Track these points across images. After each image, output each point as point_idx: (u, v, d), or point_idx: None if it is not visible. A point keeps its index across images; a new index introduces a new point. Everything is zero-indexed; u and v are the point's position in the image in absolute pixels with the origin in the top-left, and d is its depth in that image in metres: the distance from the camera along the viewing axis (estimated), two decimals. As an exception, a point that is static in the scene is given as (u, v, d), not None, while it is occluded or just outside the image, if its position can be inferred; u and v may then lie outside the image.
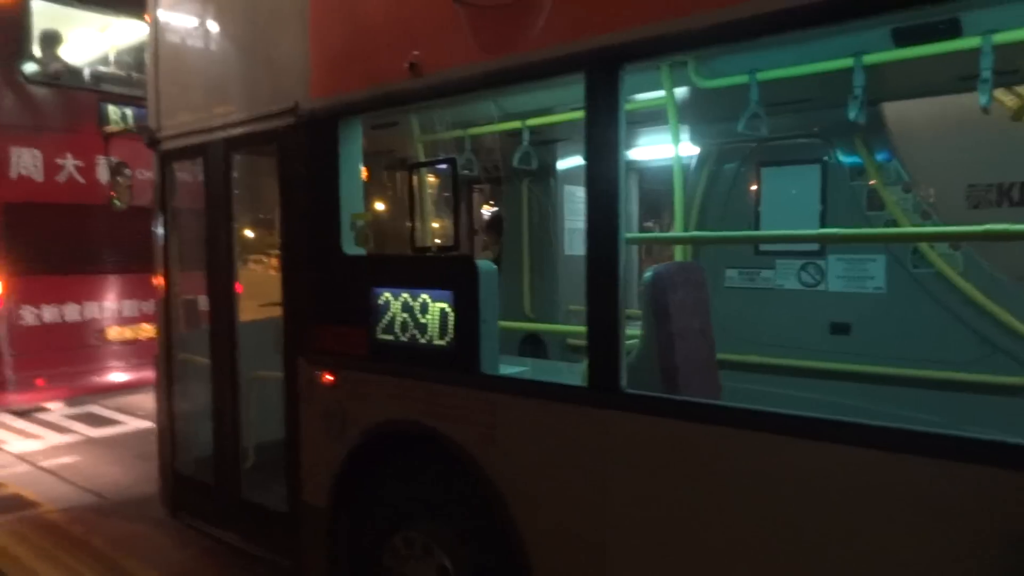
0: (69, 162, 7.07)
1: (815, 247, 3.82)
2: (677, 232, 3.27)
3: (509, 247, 5.05)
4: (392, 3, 2.98)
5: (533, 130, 4.13)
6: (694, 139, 4.09)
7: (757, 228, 4.01)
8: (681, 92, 3.31)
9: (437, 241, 4.62)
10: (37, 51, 7.13)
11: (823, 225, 3.75)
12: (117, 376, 7.59)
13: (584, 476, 2.43)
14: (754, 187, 4.06)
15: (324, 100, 3.23)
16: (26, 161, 6.84)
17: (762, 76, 2.91)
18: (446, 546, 2.86)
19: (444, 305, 2.82)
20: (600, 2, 2.35)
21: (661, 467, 2.26)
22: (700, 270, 2.99)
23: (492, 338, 2.76)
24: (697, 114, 3.88)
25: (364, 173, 3.61)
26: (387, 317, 3.02)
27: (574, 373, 3.01)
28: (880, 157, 3.68)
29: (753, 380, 3.69)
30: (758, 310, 3.98)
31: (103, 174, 6.88)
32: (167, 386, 4.31)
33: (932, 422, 2.03)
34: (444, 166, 3.39)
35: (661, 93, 3.08)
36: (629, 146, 4.83)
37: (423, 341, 2.88)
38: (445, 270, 2.86)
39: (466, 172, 4.43)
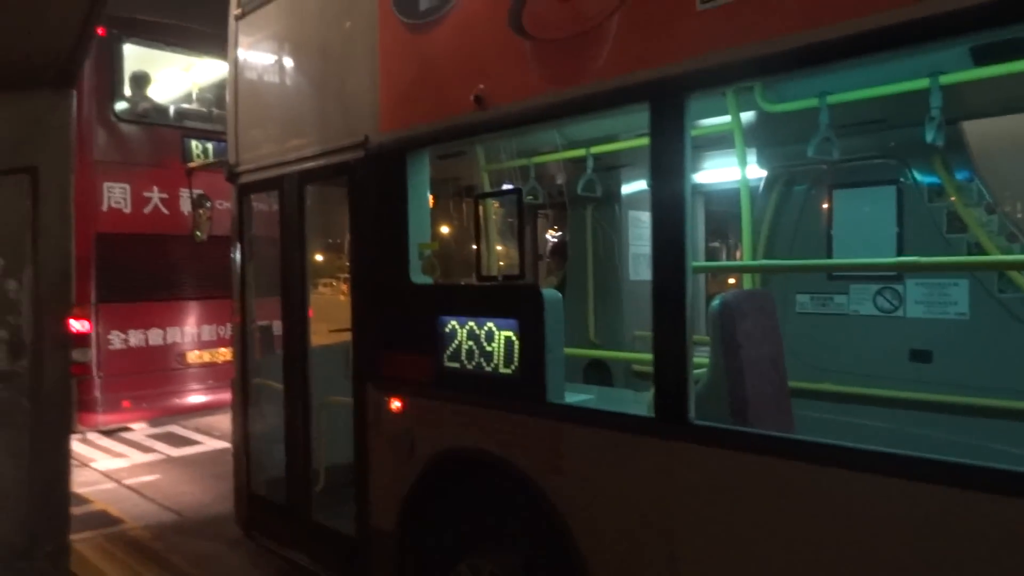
0: (155, 195, 7.48)
1: (892, 271, 3.69)
2: (746, 260, 3.21)
3: (573, 272, 5.05)
4: (457, 38, 3.07)
5: (597, 156, 4.14)
6: (761, 162, 4.02)
7: (829, 252, 3.90)
8: (747, 116, 3.27)
9: (502, 265, 4.68)
10: (128, 91, 7.61)
11: (900, 248, 3.61)
12: (196, 398, 7.93)
13: (651, 508, 2.39)
14: (825, 209, 3.95)
15: (392, 133, 3.33)
16: (116, 194, 7.28)
17: (833, 99, 2.85)
18: (512, 575, 2.86)
19: (510, 333, 2.85)
20: (664, 32, 2.35)
21: (731, 502, 2.21)
22: (769, 297, 2.93)
23: (558, 366, 2.76)
24: (764, 137, 3.82)
25: (430, 201, 3.70)
26: (453, 345, 3.06)
27: (640, 402, 2.98)
28: (960, 176, 3.53)
29: (827, 409, 3.57)
30: (832, 336, 3.85)
31: (185, 206, 7.25)
32: (243, 409, 4.47)
33: (1021, 457, 1.92)
34: (510, 195, 3.43)
35: (727, 118, 3.05)
36: (694, 170, 4.79)
37: (489, 369, 2.91)
38: (511, 299, 2.88)
39: (530, 198, 4.47)
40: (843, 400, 3.56)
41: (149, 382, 7.50)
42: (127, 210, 7.34)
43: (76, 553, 4.82)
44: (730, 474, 2.22)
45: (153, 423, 8.39)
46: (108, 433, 8.26)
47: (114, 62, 7.40)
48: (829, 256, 3.90)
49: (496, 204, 4.58)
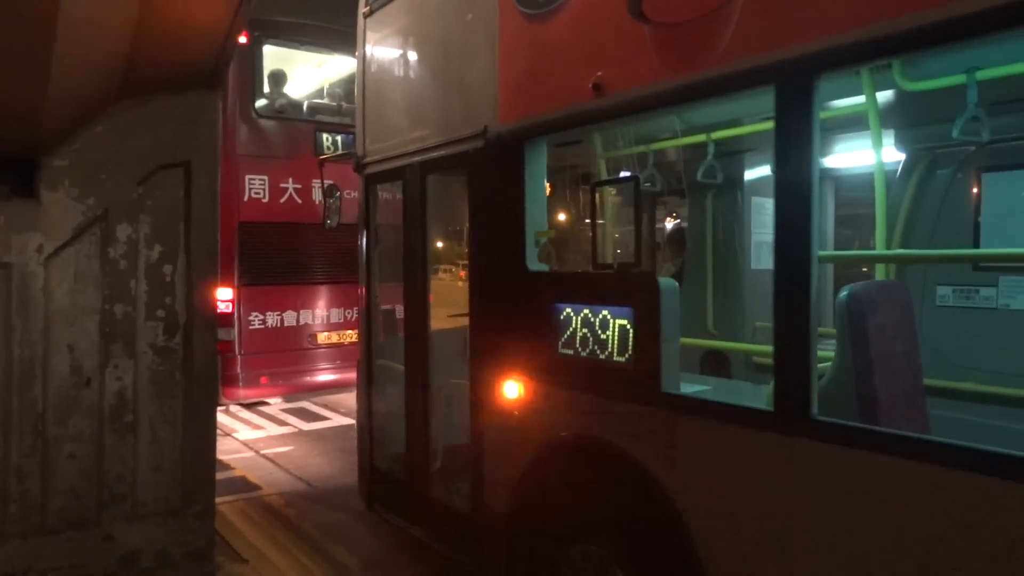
0: (290, 185, 7.97)
1: (1050, 262, 3.36)
2: (879, 250, 3.03)
3: (692, 261, 4.94)
4: (576, 26, 3.07)
5: (718, 142, 4.02)
6: (899, 144, 3.76)
7: (976, 241, 3.60)
8: (884, 95, 3.07)
9: (619, 254, 4.64)
10: (266, 88, 8.14)
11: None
12: (325, 376, 8.42)
13: (768, 504, 2.33)
14: (973, 194, 3.64)
15: (511, 123, 3.38)
16: (256, 186, 7.82)
17: (983, 75, 2.62)
18: (624, 563, 2.87)
19: (625, 322, 2.84)
20: (791, 11, 2.26)
21: (854, 503, 2.11)
22: (905, 289, 2.75)
23: (673, 356, 2.73)
24: (903, 117, 3.57)
25: (548, 189, 3.72)
26: (568, 332, 3.09)
27: (759, 396, 2.89)
28: None
29: (968, 410, 3.30)
30: (976, 332, 3.56)
31: (317, 195, 7.68)
32: (367, 389, 4.71)
33: None
34: (627, 183, 3.40)
35: (861, 98, 2.88)
36: (823, 154, 4.55)
37: (603, 357, 2.91)
38: (626, 287, 2.87)
39: (647, 186, 4.41)
40: (986, 401, 3.29)
41: (283, 360, 8.04)
42: (265, 200, 7.87)
43: (220, 514, 5.27)
44: (855, 475, 2.12)
45: (286, 399, 9.00)
46: (248, 406, 8.96)
47: (255, 63, 7.93)
48: (976, 245, 3.60)
49: (613, 192, 4.56)
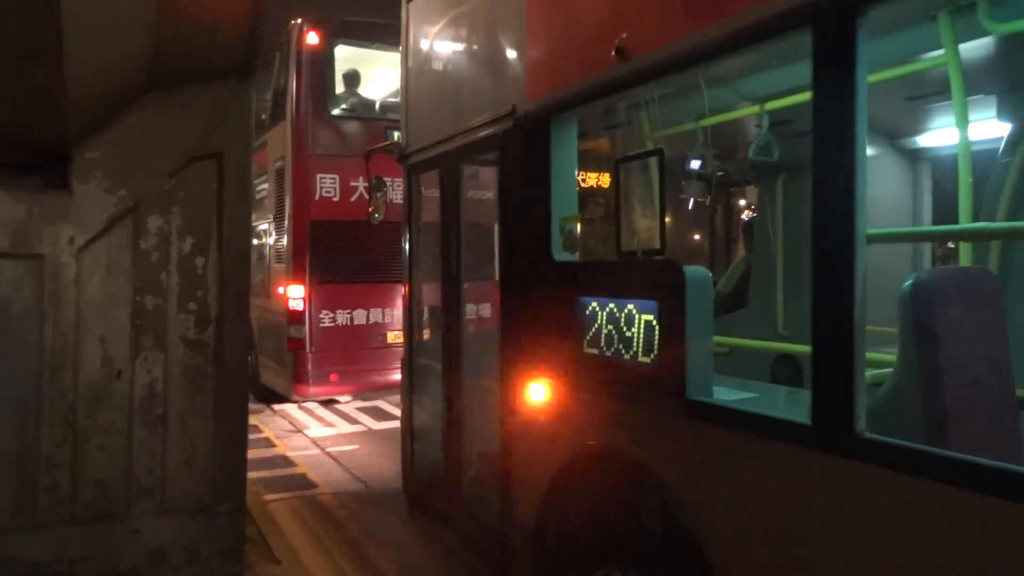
0: (360, 184, 7.97)
1: None
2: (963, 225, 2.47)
3: (760, 254, 4.46)
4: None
5: (790, 120, 3.55)
6: (1002, 113, 3.17)
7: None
8: (980, 48, 2.56)
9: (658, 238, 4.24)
10: (339, 88, 8.19)
11: None
12: (395, 375, 8.35)
13: (806, 536, 1.92)
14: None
15: (538, 100, 3.09)
16: (327, 184, 7.87)
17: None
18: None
19: (650, 317, 2.48)
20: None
21: (907, 540, 1.68)
22: (992, 278, 2.24)
23: (703, 357, 2.35)
24: (1006, 78, 3.00)
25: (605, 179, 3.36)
26: (593, 329, 2.76)
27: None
28: None
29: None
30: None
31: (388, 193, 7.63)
32: (409, 389, 4.53)
33: None
34: (652, 156, 3.01)
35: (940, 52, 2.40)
36: (919, 130, 3.97)
37: (627, 357, 2.57)
38: (650, 277, 2.52)
39: (720, 175, 4.00)
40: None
41: (353, 358, 8.05)
42: (336, 199, 7.91)
43: (270, 510, 5.26)
44: (912, 506, 1.68)
45: (362, 397, 9.03)
46: (324, 403, 9.05)
47: (327, 63, 7.99)
48: None
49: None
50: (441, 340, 4.03)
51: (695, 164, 4.30)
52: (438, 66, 4.12)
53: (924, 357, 1.97)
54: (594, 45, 2.71)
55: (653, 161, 2.65)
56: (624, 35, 2.55)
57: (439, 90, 4.10)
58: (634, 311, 2.55)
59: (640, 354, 2.52)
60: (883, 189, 4.14)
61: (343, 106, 8.13)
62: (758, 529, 2.05)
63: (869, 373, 2.83)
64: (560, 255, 3.00)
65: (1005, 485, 1.53)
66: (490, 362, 3.83)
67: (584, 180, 4.64)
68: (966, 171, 2.39)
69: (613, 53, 2.59)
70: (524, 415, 3.21)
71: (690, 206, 4.55)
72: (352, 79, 8.32)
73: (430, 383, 4.33)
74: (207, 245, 3.75)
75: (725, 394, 2.54)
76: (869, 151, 3.33)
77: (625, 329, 2.59)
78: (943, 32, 2.31)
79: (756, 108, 3.42)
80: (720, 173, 5.08)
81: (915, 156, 4.17)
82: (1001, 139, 3.25)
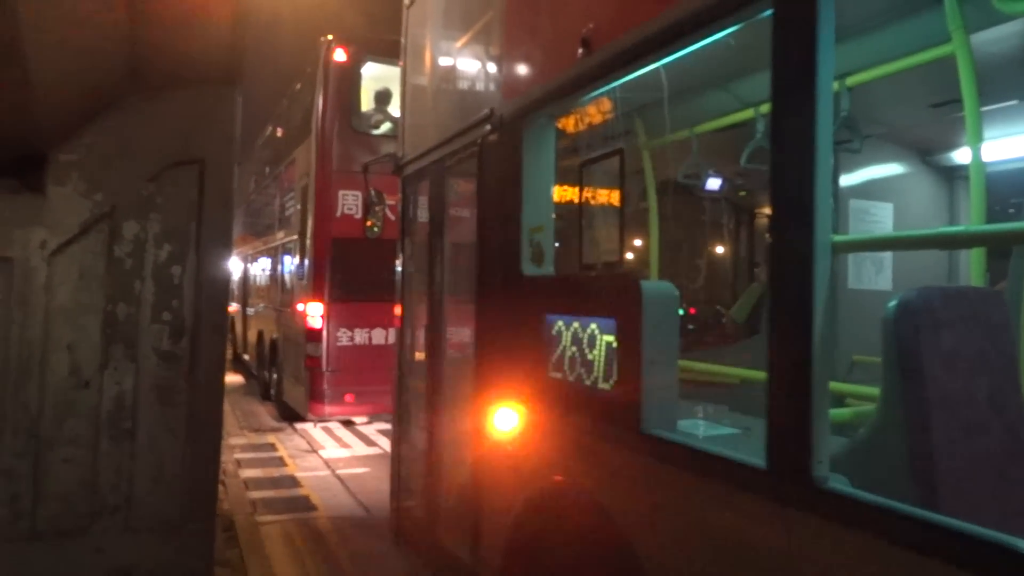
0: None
1: None
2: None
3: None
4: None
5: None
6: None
7: None
8: (988, 35, 2.23)
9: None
10: (364, 106, 8.15)
11: None
12: (414, 398, 8.16)
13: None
14: None
15: (512, 101, 2.87)
16: (349, 201, 7.80)
17: None
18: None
19: (611, 339, 2.21)
20: None
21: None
22: (996, 298, 1.89)
23: (662, 385, 2.06)
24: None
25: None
26: (558, 350, 2.50)
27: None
28: None
29: None
30: None
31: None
32: (398, 413, 4.31)
33: None
34: (612, 157, 2.71)
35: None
36: (952, 144, 3.59)
37: (588, 383, 2.29)
38: (609, 293, 2.25)
39: (742, 194, 3.70)
40: None
41: (370, 379, 7.87)
42: (358, 216, 7.81)
43: (261, 532, 5.09)
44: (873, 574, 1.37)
45: (379, 418, 8.85)
46: (345, 424, 8.91)
47: (354, 80, 7.96)
48: None
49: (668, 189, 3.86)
50: (426, 361, 3.80)
51: (714, 184, 4.01)
52: (429, 72, 3.96)
53: (909, 391, 1.64)
54: (563, 41, 2.49)
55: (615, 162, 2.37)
56: (590, 26, 2.32)
57: (430, 97, 3.93)
58: (596, 331, 2.28)
59: (600, 380, 2.24)
60: (916, 210, 3.77)
61: (369, 123, 8.07)
62: (709, 588, 1.75)
63: (851, 410, 2.48)
64: (529, 269, 2.75)
65: (997, 563, 1.20)
66: (469, 385, 3.58)
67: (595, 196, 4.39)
68: (978, 174, 2.05)
69: (579, 47, 2.36)
70: (493, 444, 2.95)
71: (706, 227, 4.24)
72: (384, 97, 8.27)
73: (415, 408, 4.10)
74: (185, 253, 3.63)
75: (703, 428, 2.24)
76: (899, 169, 2.99)
77: (588, 351, 2.32)
78: (949, 16, 1.99)
79: (751, 112, 3.12)
80: (742, 193, 4.75)
81: (951, 174, 3.78)
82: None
